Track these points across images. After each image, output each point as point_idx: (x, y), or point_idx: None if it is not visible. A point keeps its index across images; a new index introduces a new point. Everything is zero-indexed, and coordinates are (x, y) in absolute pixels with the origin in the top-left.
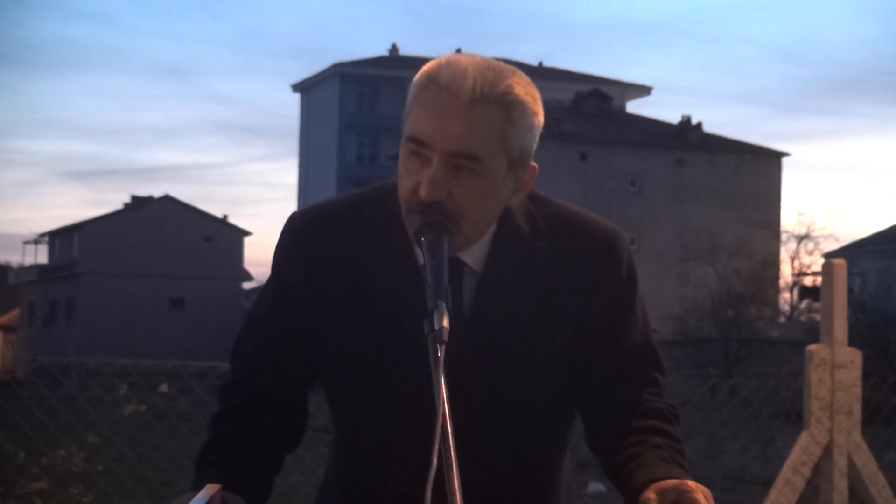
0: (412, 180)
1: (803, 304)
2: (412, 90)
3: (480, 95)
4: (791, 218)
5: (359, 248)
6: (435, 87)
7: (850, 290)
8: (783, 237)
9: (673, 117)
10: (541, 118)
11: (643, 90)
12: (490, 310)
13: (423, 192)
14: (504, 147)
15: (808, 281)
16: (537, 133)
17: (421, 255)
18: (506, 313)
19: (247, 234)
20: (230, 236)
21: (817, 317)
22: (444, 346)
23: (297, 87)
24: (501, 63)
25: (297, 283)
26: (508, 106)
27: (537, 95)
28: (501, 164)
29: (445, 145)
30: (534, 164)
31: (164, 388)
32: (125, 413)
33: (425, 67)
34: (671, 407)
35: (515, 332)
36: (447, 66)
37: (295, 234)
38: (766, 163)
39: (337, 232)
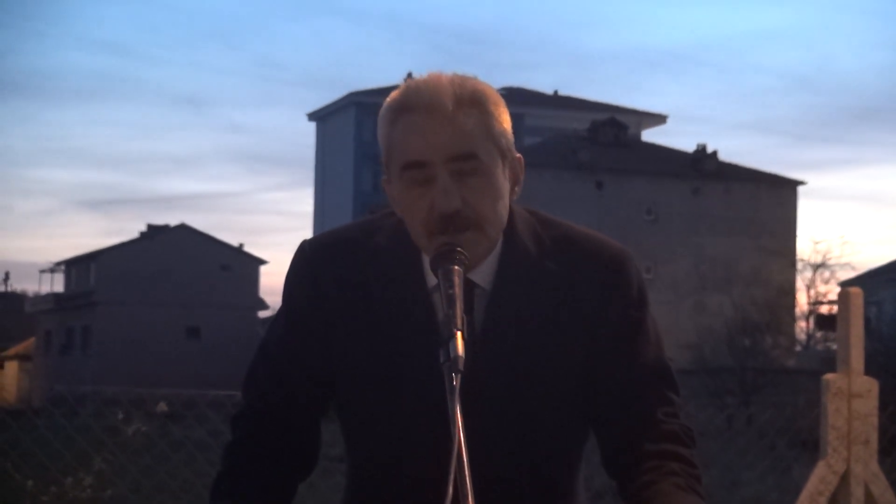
0: (423, 205)
1: (819, 334)
2: (384, 128)
3: (457, 101)
4: (807, 246)
5: (369, 275)
6: (410, 112)
7: (867, 319)
8: (799, 266)
9: (688, 146)
10: (508, 113)
11: (659, 119)
12: (501, 329)
13: (440, 206)
14: (493, 140)
15: (824, 310)
16: (510, 126)
17: (431, 279)
18: (517, 332)
19: (262, 262)
20: (246, 265)
21: (834, 346)
22: (459, 376)
23: (312, 116)
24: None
25: (309, 311)
26: (482, 102)
27: (497, 92)
28: (496, 157)
29: (444, 154)
30: (519, 155)
31: (162, 406)
32: (129, 433)
33: (389, 100)
34: (686, 429)
35: (526, 352)
36: (414, 89)
37: (305, 262)
38: (781, 191)
39: (347, 259)
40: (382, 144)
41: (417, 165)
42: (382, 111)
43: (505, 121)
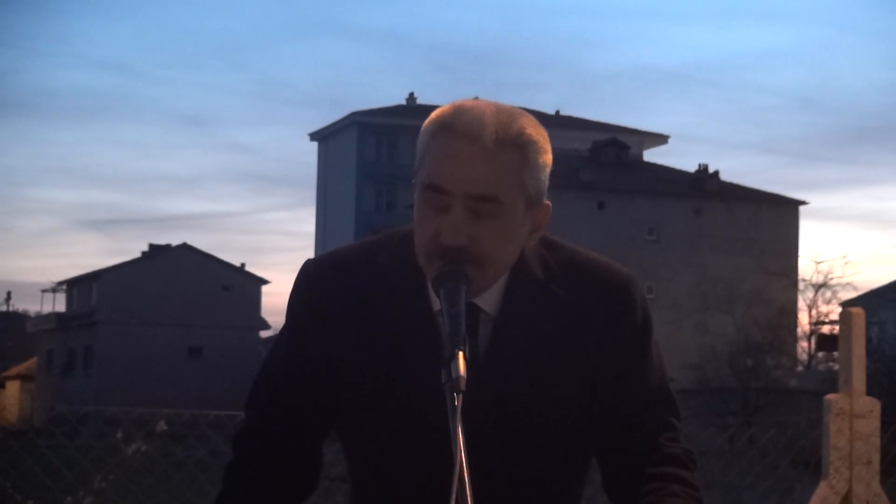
0: (432, 227)
1: (821, 354)
2: (423, 138)
3: (497, 139)
4: (809, 266)
5: (373, 296)
6: (449, 133)
7: (869, 339)
8: (801, 286)
9: (690, 166)
10: (550, 157)
11: (660, 139)
12: (506, 355)
13: (445, 239)
14: (521, 188)
15: (825, 330)
16: (548, 171)
17: (435, 302)
18: (521, 358)
19: (264, 282)
20: (248, 285)
21: (835, 366)
22: (461, 396)
23: (314, 136)
24: (510, 106)
25: (312, 331)
26: (523, 147)
27: (546, 135)
28: (520, 205)
29: (466, 190)
30: (547, 202)
31: (162, 425)
32: (129, 452)
33: (435, 115)
34: (688, 452)
35: (531, 377)
36: (460, 112)
37: (309, 281)
38: (783, 211)
39: (351, 279)
40: (418, 152)
41: (437, 190)
42: (427, 122)
43: (541, 168)
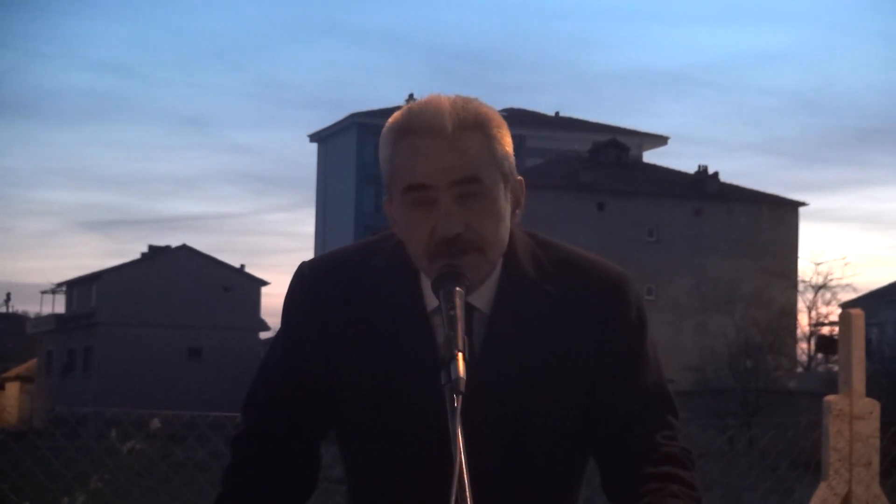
0: (424, 227)
1: (820, 355)
2: (385, 149)
3: (460, 124)
4: (808, 268)
5: (368, 297)
6: (412, 135)
7: (868, 341)
8: (801, 287)
9: (690, 167)
10: (508, 131)
11: (660, 140)
12: (501, 353)
13: (441, 230)
14: (495, 163)
15: (825, 331)
16: (511, 145)
17: (430, 302)
18: (517, 356)
19: (264, 283)
20: (248, 286)
21: (835, 367)
22: (460, 397)
23: (314, 138)
24: (456, 94)
25: (308, 333)
26: (484, 125)
27: (497, 112)
28: (499, 181)
29: (447, 177)
30: (520, 177)
31: (155, 422)
32: (125, 451)
33: (391, 122)
34: (686, 451)
35: (528, 376)
36: (416, 112)
37: (304, 284)
38: (783, 213)
39: (346, 281)
40: (384, 166)
41: (420, 188)
42: (384, 133)
43: (507, 143)
